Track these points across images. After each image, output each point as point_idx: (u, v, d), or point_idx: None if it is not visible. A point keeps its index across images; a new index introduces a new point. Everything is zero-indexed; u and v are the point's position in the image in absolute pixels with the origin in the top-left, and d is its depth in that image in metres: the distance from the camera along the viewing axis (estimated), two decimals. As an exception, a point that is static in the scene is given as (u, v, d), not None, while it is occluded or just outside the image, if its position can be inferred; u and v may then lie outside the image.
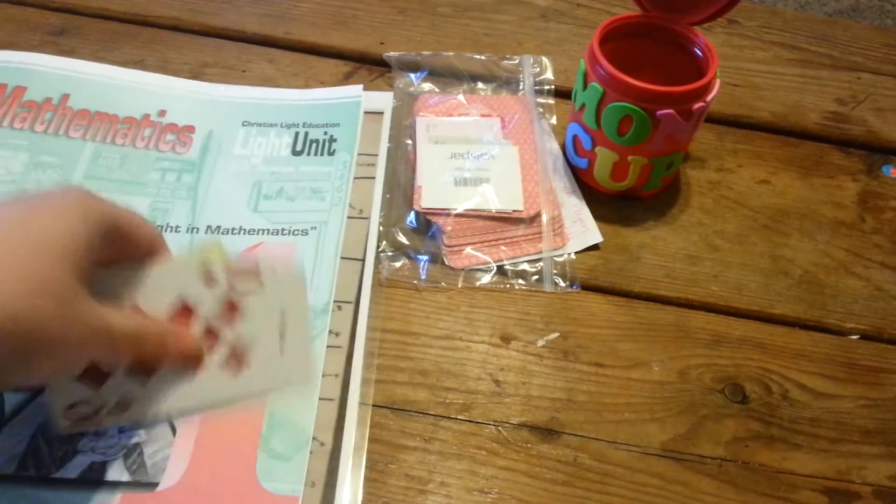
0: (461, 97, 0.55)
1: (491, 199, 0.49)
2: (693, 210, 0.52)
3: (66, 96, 0.53)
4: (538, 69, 0.58)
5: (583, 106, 0.48)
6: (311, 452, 0.39)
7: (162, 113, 0.53)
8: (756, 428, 0.43)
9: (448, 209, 0.48)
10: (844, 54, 0.65)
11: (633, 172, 0.49)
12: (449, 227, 0.48)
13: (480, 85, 0.56)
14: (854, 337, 0.47)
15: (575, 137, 0.51)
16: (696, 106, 0.45)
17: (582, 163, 0.51)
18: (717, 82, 0.46)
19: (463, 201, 0.49)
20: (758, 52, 0.64)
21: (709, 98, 0.45)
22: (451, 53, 0.58)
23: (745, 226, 0.52)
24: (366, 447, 0.40)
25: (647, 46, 0.49)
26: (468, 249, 0.48)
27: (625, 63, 0.45)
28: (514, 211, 0.49)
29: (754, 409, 0.43)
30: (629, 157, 0.48)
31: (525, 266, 0.48)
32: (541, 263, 0.48)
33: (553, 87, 0.57)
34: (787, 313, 0.48)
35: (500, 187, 0.50)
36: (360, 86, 0.55)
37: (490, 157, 0.51)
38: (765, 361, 0.45)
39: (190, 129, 0.52)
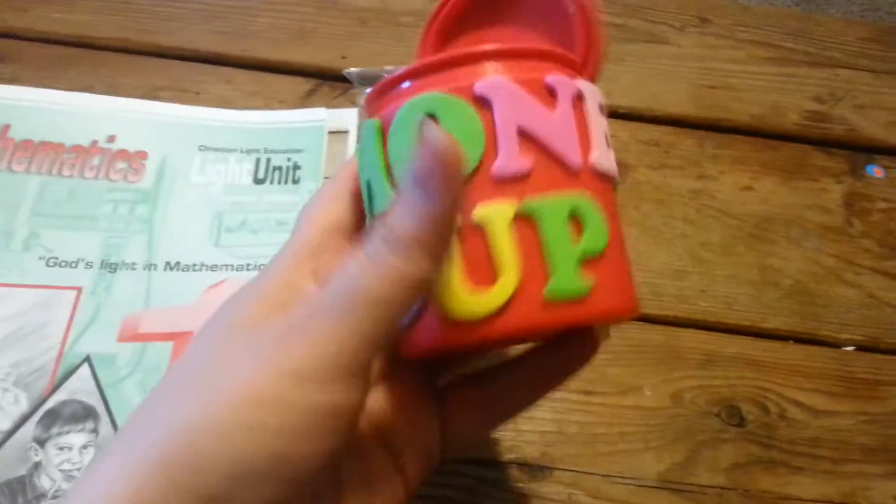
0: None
1: None
2: (676, 221, 0.50)
3: (6, 127, 0.49)
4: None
5: None
6: None
7: (111, 139, 0.49)
8: (755, 452, 0.41)
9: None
10: (820, 50, 0.63)
11: None
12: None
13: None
14: (849, 348, 0.45)
15: None
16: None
17: None
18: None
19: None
20: (732, 52, 0.62)
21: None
22: (417, 66, 0.56)
23: (730, 235, 0.50)
24: None
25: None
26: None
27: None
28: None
29: (752, 431, 0.42)
30: None
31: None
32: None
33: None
34: (779, 327, 0.46)
35: None
36: (324, 108, 0.52)
37: None
38: (760, 379, 0.43)
39: (142, 154, 0.49)
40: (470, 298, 0.23)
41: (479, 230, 0.23)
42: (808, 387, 0.43)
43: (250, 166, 0.49)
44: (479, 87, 0.23)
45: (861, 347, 0.45)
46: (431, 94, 0.24)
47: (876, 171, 0.55)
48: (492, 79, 0.24)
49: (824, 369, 0.44)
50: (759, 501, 0.39)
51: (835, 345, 0.46)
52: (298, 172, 0.49)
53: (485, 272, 0.23)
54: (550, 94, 0.24)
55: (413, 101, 0.24)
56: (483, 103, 0.23)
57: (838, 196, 0.53)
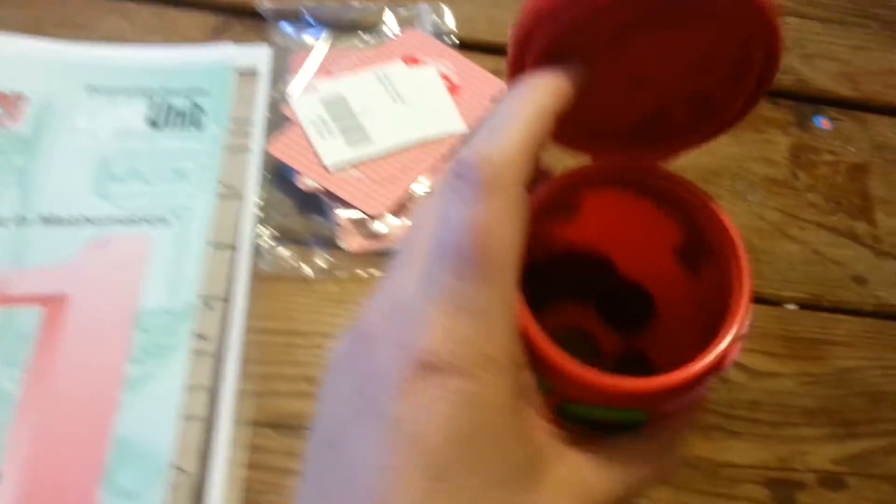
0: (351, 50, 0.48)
1: (409, 129, 0.44)
2: (615, 173, 0.47)
3: None
4: (437, 19, 0.51)
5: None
6: (169, 485, 0.32)
7: (-15, 79, 0.44)
8: (692, 417, 0.38)
9: (341, 177, 0.41)
10: (768, -3, 0.60)
11: None
12: (342, 199, 0.41)
13: (370, 38, 0.49)
14: (792, 307, 0.43)
15: None
16: (729, 358, 0.22)
17: None
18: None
19: (365, 155, 0.43)
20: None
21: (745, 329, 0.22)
22: (336, 3, 0.51)
23: (671, 188, 0.47)
24: (242, 475, 0.34)
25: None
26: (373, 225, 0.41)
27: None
28: (449, 135, 0.44)
29: (689, 395, 0.39)
30: None
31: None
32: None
33: (456, 38, 0.50)
34: (720, 284, 0.43)
35: (422, 113, 0.45)
36: (231, 44, 0.47)
37: (395, 87, 0.46)
38: (698, 340, 0.41)
39: (21, 97, 0.43)
40: None
41: None
42: (749, 347, 0.41)
43: (145, 109, 0.44)
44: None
45: (804, 305, 0.43)
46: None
47: (823, 122, 0.52)
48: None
49: (766, 329, 0.42)
50: (694, 469, 0.36)
51: (777, 302, 0.43)
52: (201, 116, 0.44)
53: None
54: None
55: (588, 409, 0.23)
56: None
57: (784, 148, 0.50)
